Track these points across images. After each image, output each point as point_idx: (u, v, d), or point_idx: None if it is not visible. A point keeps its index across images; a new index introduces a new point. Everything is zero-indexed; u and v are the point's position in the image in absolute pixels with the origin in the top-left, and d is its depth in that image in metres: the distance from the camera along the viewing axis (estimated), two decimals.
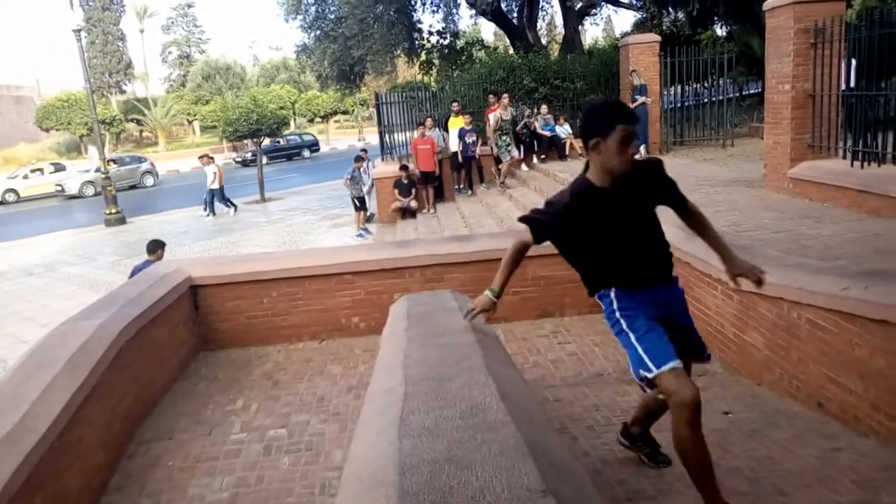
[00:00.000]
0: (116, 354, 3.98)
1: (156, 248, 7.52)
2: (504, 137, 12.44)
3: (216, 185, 18.16)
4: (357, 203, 14.02)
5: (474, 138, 13.03)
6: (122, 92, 53.68)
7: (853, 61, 7.36)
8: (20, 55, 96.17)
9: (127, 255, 14.12)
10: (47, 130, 41.65)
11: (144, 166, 30.43)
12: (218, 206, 18.51)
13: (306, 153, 38.64)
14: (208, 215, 18.28)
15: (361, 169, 14.31)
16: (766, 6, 8.10)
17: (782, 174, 8.09)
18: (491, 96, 13.74)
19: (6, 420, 2.93)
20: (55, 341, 3.88)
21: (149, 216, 19.55)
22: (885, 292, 3.17)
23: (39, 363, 3.56)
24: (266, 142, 36.48)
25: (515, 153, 12.77)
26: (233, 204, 18.72)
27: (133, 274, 8.00)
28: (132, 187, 28.59)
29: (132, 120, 46.37)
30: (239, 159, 36.19)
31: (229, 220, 17.71)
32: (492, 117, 12.56)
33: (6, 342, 8.74)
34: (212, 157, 19.18)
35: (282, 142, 37.07)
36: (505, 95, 12.89)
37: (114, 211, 18.42)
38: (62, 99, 39.68)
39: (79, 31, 18.04)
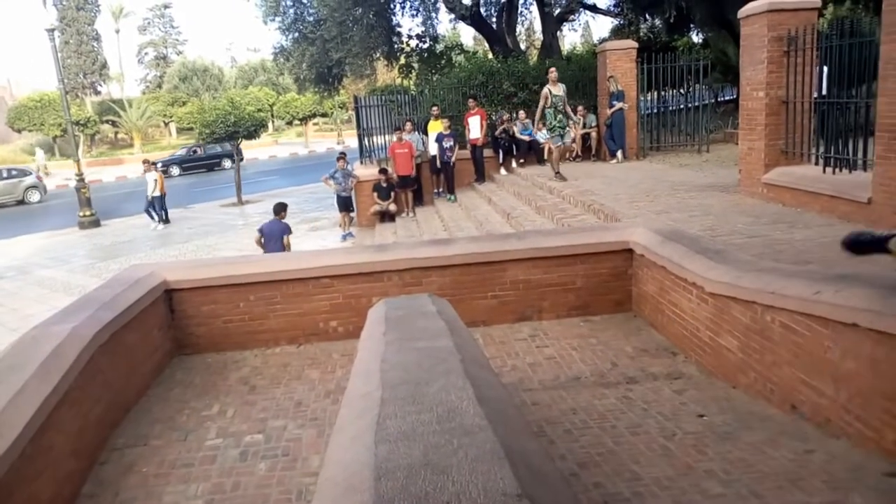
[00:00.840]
0: (89, 359, 3.91)
1: (280, 209, 9.76)
2: (559, 117, 10.64)
3: (158, 193, 17.46)
4: (341, 204, 13.89)
5: (451, 143, 13.05)
6: (97, 93, 53.00)
7: (825, 69, 7.50)
8: None
9: (101, 257, 13.93)
10: (19, 131, 40.96)
11: (28, 180, 26.93)
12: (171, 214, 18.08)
13: (227, 163, 34.31)
14: (158, 223, 17.55)
15: (346, 168, 14.13)
16: (740, 14, 8.23)
17: (756, 179, 8.22)
18: (471, 100, 13.78)
19: None
20: (27, 346, 3.81)
21: (124, 219, 19.29)
22: (856, 296, 3.23)
23: (10, 367, 3.49)
24: (180, 150, 34.81)
25: (570, 136, 11.34)
26: (166, 218, 17.94)
27: (262, 232, 9.58)
28: (19, 203, 26.06)
29: (107, 121, 45.79)
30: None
31: (158, 231, 16.92)
32: (542, 94, 10.80)
33: None
34: (154, 164, 18.70)
35: (199, 151, 34.57)
36: (553, 70, 10.96)
37: (88, 213, 18.17)
38: (35, 99, 39.08)
39: (52, 30, 17.78)
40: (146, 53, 60.38)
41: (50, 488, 3.23)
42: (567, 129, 10.92)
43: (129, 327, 4.64)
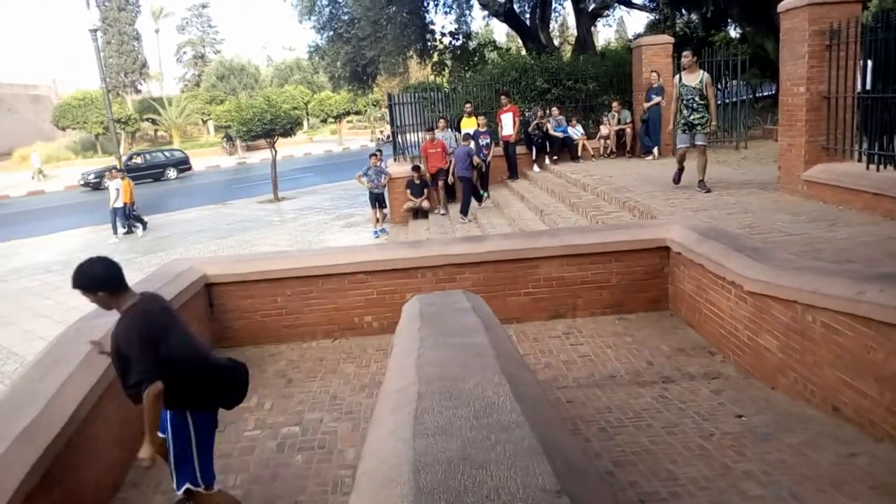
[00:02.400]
0: None
1: (466, 137, 11.66)
2: (696, 114, 8.38)
3: (119, 203, 16.18)
4: (373, 201, 13.93)
5: (488, 140, 13.00)
6: (138, 91, 54.12)
7: (869, 63, 7.30)
8: (37, 55, 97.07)
9: (142, 252, 14.24)
10: (63, 129, 42.07)
11: None
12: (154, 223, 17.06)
13: (171, 173, 31.81)
14: (126, 232, 16.59)
15: (378, 166, 14.16)
16: (780, 8, 8.05)
17: (796, 177, 8.04)
18: (503, 97, 13.72)
19: (24, 416, 2.98)
20: (71, 338, 3.92)
21: (164, 214, 19.68)
22: None
23: (56, 360, 3.60)
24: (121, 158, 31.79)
25: (703, 137, 8.58)
26: (140, 223, 16.84)
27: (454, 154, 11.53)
28: None
29: (147, 119, 46.73)
30: (83, 182, 29.62)
31: (144, 240, 15.97)
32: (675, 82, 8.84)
33: (23, 338, 8.83)
34: (121, 171, 17.47)
35: (139, 160, 31.36)
36: (687, 55, 8.62)
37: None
38: (78, 98, 40.14)
39: (95, 31, 18.21)
40: (184, 52, 61.44)
41: (95, 477, 3.33)
42: (699, 126, 8.44)
43: None
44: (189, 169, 33.01)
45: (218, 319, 5.69)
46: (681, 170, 8.89)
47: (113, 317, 4.17)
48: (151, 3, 57.08)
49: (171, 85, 62.67)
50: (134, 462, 3.77)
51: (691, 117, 8.42)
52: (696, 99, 8.36)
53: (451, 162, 13.03)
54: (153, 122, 47.19)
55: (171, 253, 13.49)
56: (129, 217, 16.71)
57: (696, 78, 8.42)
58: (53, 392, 3.21)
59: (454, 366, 2.44)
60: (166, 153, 33.79)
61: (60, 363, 3.53)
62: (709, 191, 8.52)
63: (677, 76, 8.71)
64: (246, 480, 3.50)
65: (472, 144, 12.99)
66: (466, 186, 11.96)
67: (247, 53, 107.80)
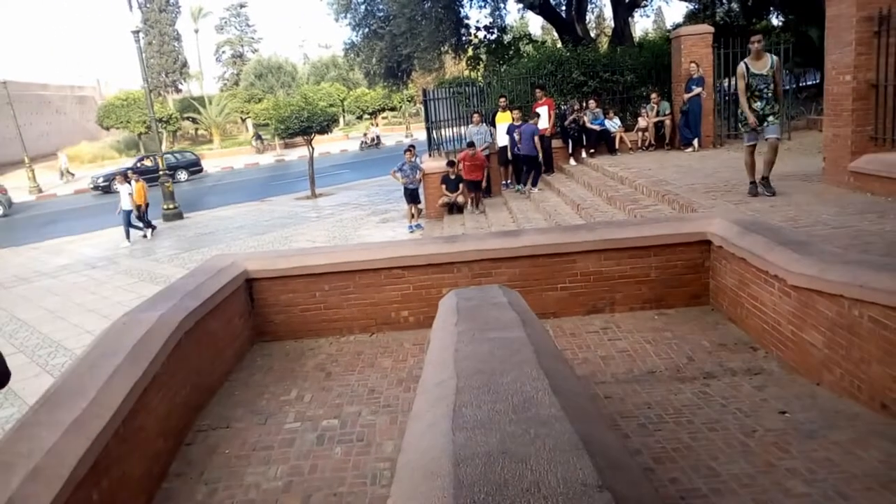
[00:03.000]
0: (176, 345, 4.12)
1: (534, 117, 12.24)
2: (767, 105, 7.51)
3: (128, 206, 15.93)
4: (408, 196, 14.01)
5: None
6: (178, 91, 55.22)
7: None
8: (83, 57, 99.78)
9: (184, 248, 14.56)
10: (108, 129, 43.21)
11: None
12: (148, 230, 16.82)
13: (182, 175, 31.25)
14: (144, 235, 16.56)
15: (413, 161, 14.20)
16: None
17: (842, 168, 7.81)
18: (538, 91, 13.63)
19: (74, 407, 3.07)
20: (117, 332, 4.03)
21: (205, 211, 20.09)
22: None
23: (103, 353, 3.71)
24: (128, 161, 30.98)
25: (775, 130, 7.62)
26: (149, 227, 16.81)
27: (520, 133, 12.22)
28: None
29: (188, 118, 47.68)
30: (92, 185, 29.80)
31: (147, 243, 15.93)
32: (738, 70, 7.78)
33: (71, 332, 9.12)
34: (133, 174, 17.48)
35: (149, 161, 30.36)
36: (755, 40, 7.60)
37: (171, 206, 19.00)
38: (121, 98, 41.19)
39: (137, 32, 18.64)
40: (223, 52, 62.45)
41: (141, 467, 3.42)
42: (770, 117, 7.53)
43: (213, 315, 4.85)
44: (200, 171, 32.85)
45: (259, 314, 5.79)
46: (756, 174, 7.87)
47: (159, 310, 4.30)
48: (191, 3, 58.28)
49: (210, 84, 63.91)
50: (178, 453, 3.88)
51: (764, 109, 7.51)
52: (768, 87, 7.51)
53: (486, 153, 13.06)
54: (193, 120, 48.12)
55: (212, 249, 13.77)
56: (142, 219, 16.61)
57: (765, 64, 7.52)
58: (101, 384, 3.30)
59: (492, 360, 2.44)
60: (177, 155, 33.22)
61: (107, 356, 3.63)
62: (774, 193, 7.58)
63: (742, 65, 7.62)
64: (286, 472, 3.56)
65: (506, 138, 12.95)
66: (534, 163, 12.64)
67: (284, 52, 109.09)
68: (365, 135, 41.84)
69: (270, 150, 43.40)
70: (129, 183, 16.39)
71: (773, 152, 7.69)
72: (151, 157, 30.85)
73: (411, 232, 13.48)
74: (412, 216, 13.95)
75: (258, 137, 43.01)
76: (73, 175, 35.63)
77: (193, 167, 32.34)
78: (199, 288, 4.92)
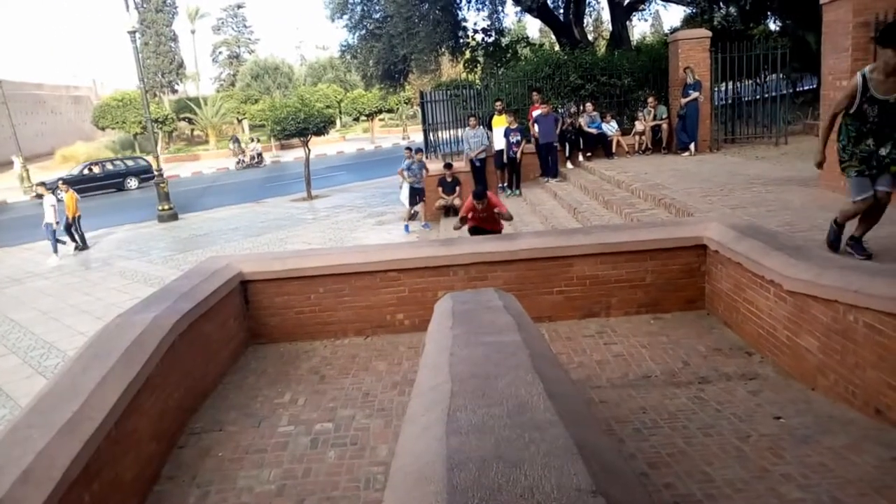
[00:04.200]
0: (169, 347, 4.10)
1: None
2: (886, 142, 4.85)
3: (51, 219, 14.52)
4: (414, 195, 13.89)
5: (518, 138, 12.96)
6: (174, 91, 55.13)
7: None
8: (79, 57, 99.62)
9: (179, 250, 14.51)
10: (103, 129, 43.07)
11: None
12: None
13: (132, 182, 29.57)
14: (77, 247, 15.23)
15: (422, 160, 14.09)
16: None
17: (838, 173, 7.82)
18: (534, 93, 13.64)
19: (66, 409, 3.05)
20: (111, 334, 4.01)
21: (200, 213, 20.03)
22: None
23: (96, 355, 3.68)
24: (74, 169, 28.65)
25: (887, 185, 5.00)
26: (78, 240, 15.39)
27: (538, 123, 12.54)
28: None
29: (184, 119, 47.58)
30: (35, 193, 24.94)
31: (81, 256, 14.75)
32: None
33: (64, 334, 9.07)
34: (64, 184, 16.44)
35: (96, 169, 29.15)
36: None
37: (166, 207, 18.94)
38: (117, 98, 41.03)
39: (133, 32, 18.58)
40: (220, 53, 62.37)
41: (133, 469, 3.40)
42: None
43: (207, 317, 4.83)
44: (152, 178, 29.31)
45: (253, 316, 5.76)
46: (840, 227, 5.46)
47: (153, 312, 4.28)
48: (188, 4, 58.10)
49: (206, 85, 63.79)
50: (170, 456, 3.86)
51: (883, 149, 4.87)
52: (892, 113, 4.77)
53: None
54: (189, 121, 48.02)
55: (207, 251, 13.73)
56: (71, 232, 15.28)
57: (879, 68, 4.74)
58: (94, 386, 3.28)
59: (487, 364, 2.43)
60: (128, 162, 31.29)
61: (100, 358, 3.61)
62: (869, 256, 5.21)
63: (858, 78, 4.83)
64: (279, 476, 3.54)
65: (503, 141, 12.95)
66: (554, 152, 13.05)
67: (281, 53, 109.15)
68: (243, 151, 37.51)
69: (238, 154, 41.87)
70: (55, 193, 15.37)
71: (881, 211, 5.19)
72: (100, 165, 29.81)
73: (427, 229, 13.35)
74: (414, 216, 13.85)
75: (235, 141, 42.21)
76: (31, 184, 29.39)
77: (145, 174, 29.57)
78: (193, 290, 4.89)
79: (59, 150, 41.66)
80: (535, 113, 13.18)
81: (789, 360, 4.39)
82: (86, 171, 29.10)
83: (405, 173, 13.91)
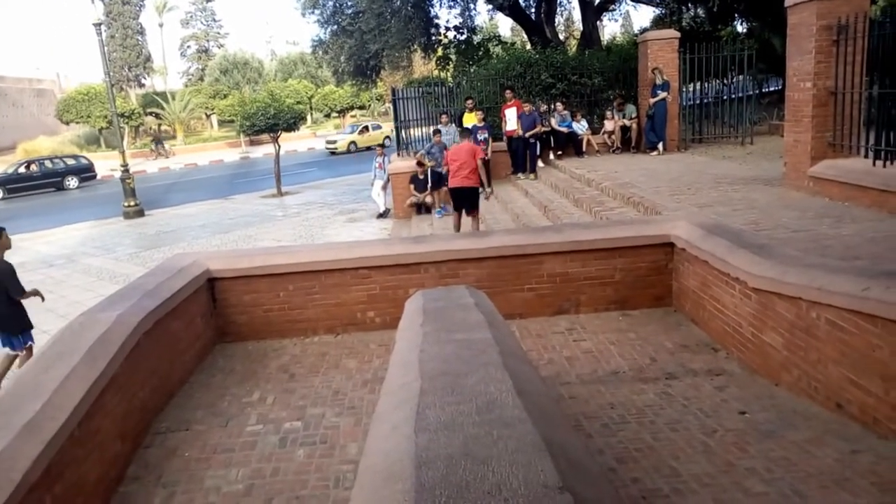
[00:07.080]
0: (134, 346, 4.02)
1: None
2: None
3: None
4: (438, 180, 13.06)
5: (486, 136, 12.90)
6: (141, 85, 54.15)
7: None
8: (41, 49, 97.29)
9: (145, 247, 14.26)
10: (67, 123, 42.13)
11: None
12: None
13: (72, 182, 28.32)
14: None
15: (442, 143, 13.45)
16: (788, 2, 8.00)
17: (802, 173, 8.01)
18: (507, 91, 13.67)
19: (27, 409, 2.98)
20: (74, 332, 3.93)
21: (167, 209, 19.71)
22: None
23: (59, 353, 3.60)
24: (10, 168, 27.53)
25: None
26: None
27: (520, 118, 12.26)
28: None
29: (151, 113, 46.76)
30: None
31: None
32: None
33: None
34: None
35: (34, 167, 28.00)
36: None
37: (132, 203, 18.59)
38: (82, 92, 40.16)
39: (99, 25, 18.19)
40: (188, 47, 61.44)
41: (97, 470, 3.33)
42: None
43: (173, 315, 4.75)
44: (94, 177, 29.67)
45: (221, 314, 5.69)
46: None
47: (117, 310, 4.19)
48: None
49: (174, 79, 62.76)
50: (135, 456, 3.79)
51: None
52: None
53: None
54: (157, 116, 47.21)
55: (174, 248, 13.51)
56: None
57: None
58: (56, 386, 3.21)
59: (457, 362, 2.43)
60: (68, 160, 30.01)
61: (63, 357, 3.53)
62: None
63: None
64: (247, 475, 3.50)
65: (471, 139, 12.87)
66: (532, 148, 13.14)
67: (251, 48, 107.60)
68: (165, 154, 37.32)
69: (168, 157, 39.85)
70: None
71: None
72: (38, 163, 28.61)
73: (440, 216, 12.72)
74: (434, 204, 13.29)
75: (157, 142, 40.20)
76: None
77: (86, 173, 29.27)
78: (158, 287, 4.81)
79: (22, 145, 40.55)
80: (508, 112, 13.20)
81: (754, 357, 4.47)
82: (22, 170, 27.84)
83: (425, 158, 13.43)
